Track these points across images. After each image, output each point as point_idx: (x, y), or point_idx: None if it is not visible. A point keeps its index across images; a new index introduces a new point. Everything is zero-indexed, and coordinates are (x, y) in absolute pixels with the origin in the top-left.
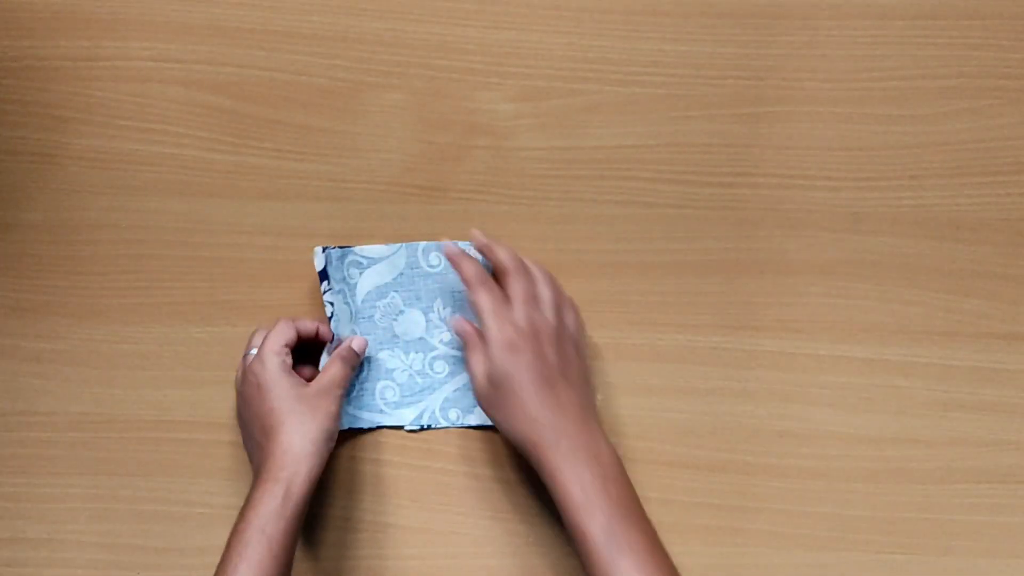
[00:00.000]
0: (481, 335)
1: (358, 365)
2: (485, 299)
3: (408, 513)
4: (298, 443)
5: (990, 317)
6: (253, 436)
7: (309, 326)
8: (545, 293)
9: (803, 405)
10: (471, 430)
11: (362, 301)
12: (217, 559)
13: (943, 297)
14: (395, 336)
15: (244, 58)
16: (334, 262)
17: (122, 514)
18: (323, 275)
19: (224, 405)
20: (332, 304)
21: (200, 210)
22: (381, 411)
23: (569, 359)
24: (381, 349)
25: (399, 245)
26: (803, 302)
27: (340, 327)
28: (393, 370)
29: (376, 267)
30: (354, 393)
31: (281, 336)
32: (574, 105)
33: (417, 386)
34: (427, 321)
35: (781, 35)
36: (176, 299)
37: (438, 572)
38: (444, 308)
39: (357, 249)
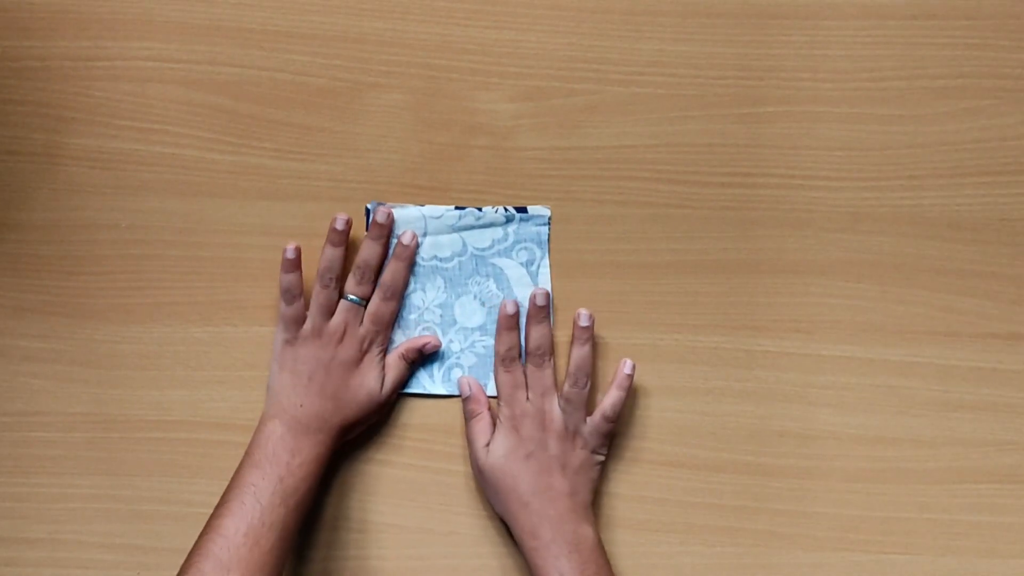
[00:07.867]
0: (489, 406)
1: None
2: (505, 380)
3: (408, 513)
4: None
5: (990, 317)
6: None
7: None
8: (574, 393)
9: (803, 405)
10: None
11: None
12: None
13: (943, 297)
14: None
15: (244, 58)
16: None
17: (122, 514)
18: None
19: (224, 405)
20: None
21: (200, 210)
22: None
23: (570, 452)
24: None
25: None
26: (803, 302)
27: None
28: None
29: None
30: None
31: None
32: (574, 105)
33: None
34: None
35: (781, 35)
36: (176, 299)
37: (438, 572)
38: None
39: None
